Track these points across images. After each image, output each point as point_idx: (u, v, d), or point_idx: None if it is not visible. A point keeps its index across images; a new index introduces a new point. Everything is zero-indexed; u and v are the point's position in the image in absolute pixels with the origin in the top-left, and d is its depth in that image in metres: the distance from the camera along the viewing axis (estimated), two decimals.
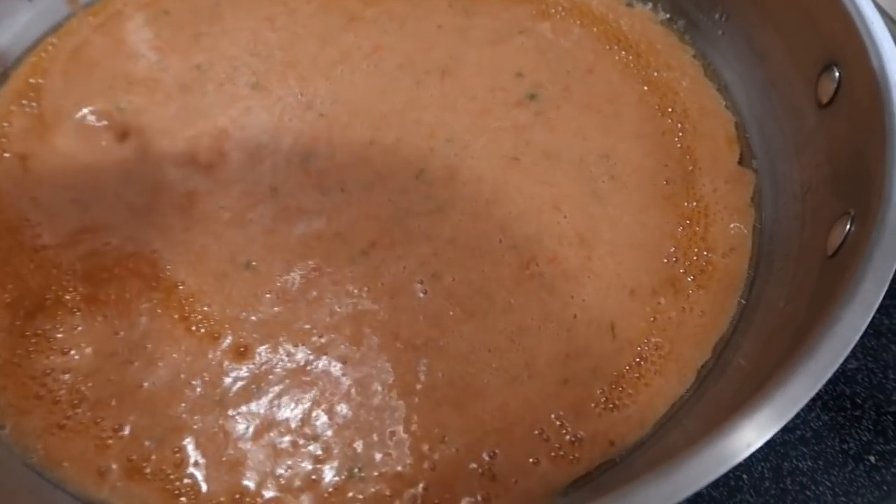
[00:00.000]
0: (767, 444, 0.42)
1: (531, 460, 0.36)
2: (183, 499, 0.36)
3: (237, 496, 0.36)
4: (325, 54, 0.54)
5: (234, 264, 0.43)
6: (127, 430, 0.37)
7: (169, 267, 0.43)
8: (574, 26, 0.55)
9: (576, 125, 0.49)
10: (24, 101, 0.51)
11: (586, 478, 0.36)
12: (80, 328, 0.41)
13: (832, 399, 0.44)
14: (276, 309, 0.42)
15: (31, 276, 0.42)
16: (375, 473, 0.36)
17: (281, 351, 0.40)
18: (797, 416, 0.43)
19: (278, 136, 0.50)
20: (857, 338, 0.29)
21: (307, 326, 0.41)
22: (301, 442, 0.37)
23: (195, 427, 0.37)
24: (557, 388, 0.39)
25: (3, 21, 0.54)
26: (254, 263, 0.43)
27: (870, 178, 0.35)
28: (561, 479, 0.36)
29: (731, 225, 0.44)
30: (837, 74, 0.41)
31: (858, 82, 0.39)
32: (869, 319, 0.30)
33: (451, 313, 0.41)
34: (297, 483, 0.36)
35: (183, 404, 0.38)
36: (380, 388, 0.39)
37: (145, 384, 0.39)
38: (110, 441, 0.37)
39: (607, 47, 0.54)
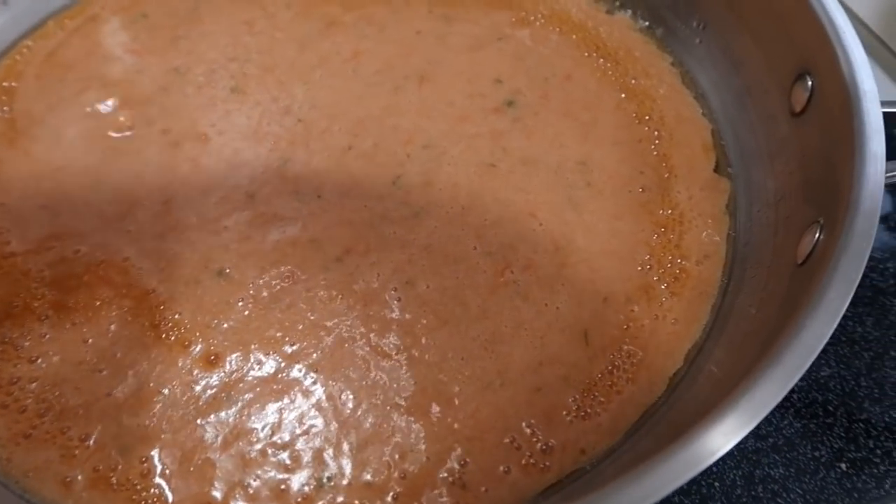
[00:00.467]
0: (740, 451, 0.42)
1: (502, 469, 0.36)
2: None
3: None
4: (303, 59, 0.54)
5: (206, 271, 0.43)
6: (93, 440, 0.37)
7: (140, 274, 0.42)
8: (553, 33, 0.55)
9: (553, 132, 0.49)
10: None
11: (557, 486, 0.36)
12: (48, 336, 0.40)
13: (804, 406, 0.44)
14: (247, 316, 0.41)
15: None
16: (345, 483, 0.36)
17: (252, 359, 0.40)
18: (769, 423, 0.44)
19: (256, 142, 0.49)
20: (821, 345, 0.29)
21: (279, 334, 0.41)
22: (270, 451, 0.37)
23: (163, 436, 0.37)
24: (530, 395, 0.38)
25: None
26: (227, 270, 0.43)
27: (838, 186, 0.35)
28: (531, 487, 0.36)
29: (706, 232, 0.45)
30: (810, 83, 0.41)
31: (830, 91, 0.39)
32: (834, 327, 0.30)
33: (425, 321, 0.41)
34: (266, 493, 0.36)
35: (151, 413, 0.38)
36: (351, 397, 0.39)
37: (113, 393, 0.38)
38: (76, 451, 0.37)
39: (586, 54, 0.54)
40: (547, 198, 0.46)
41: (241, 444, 0.37)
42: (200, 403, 0.38)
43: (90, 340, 0.40)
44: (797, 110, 0.42)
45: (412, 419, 0.38)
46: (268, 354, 0.40)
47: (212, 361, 0.40)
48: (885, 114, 0.36)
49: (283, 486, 0.36)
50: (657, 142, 0.49)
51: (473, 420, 0.38)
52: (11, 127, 0.49)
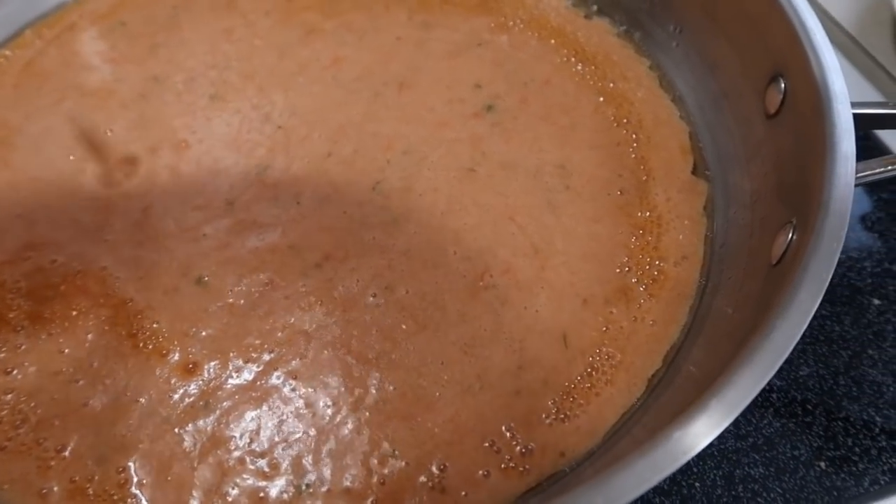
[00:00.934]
0: (720, 451, 0.43)
1: (481, 472, 0.36)
2: None
3: None
4: (283, 66, 0.54)
5: (185, 279, 0.43)
6: (70, 451, 0.37)
7: (118, 283, 0.42)
8: (532, 38, 0.56)
9: (532, 136, 0.50)
10: None
11: (536, 489, 0.36)
12: (23, 346, 0.40)
13: (784, 405, 0.44)
14: (226, 324, 0.41)
15: None
16: (324, 489, 0.36)
17: (230, 367, 0.40)
18: (749, 422, 0.44)
19: (236, 149, 0.49)
20: (792, 345, 0.30)
21: (258, 341, 0.40)
22: (249, 459, 0.37)
23: (140, 446, 0.37)
24: (509, 399, 0.38)
25: None
26: (206, 278, 0.43)
27: (810, 187, 0.36)
28: (511, 490, 0.36)
29: (683, 234, 0.45)
30: (783, 85, 0.42)
31: (802, 93, 0.40)
32: (805, 326, 0.30)
33: (404, 326, 0.41)
34: (244, 501, 0.35)
35: (128, 423, 0.37)
36: (330, 403, 0.38)
37: (90, 403, 0.38)
38: (52, 462, 0.36)
39: (564, 59, 0.54)
40: (526, 201, 0.46)
41: (219, 452, 0.37)
42: (178, 412, 0.38)
43: (66, 351, 0.40)
44: (771, 112, 0.43)
45: (391, 424, 0.38)
46: (246, 362, 0.40)
47: (190, 370, 0.39)
48: (856, 115, 0.37)
49: (261, 494, 0.36)
50: (635, 145, 0.49)
51: (453, 424, 0.38)
52: None
